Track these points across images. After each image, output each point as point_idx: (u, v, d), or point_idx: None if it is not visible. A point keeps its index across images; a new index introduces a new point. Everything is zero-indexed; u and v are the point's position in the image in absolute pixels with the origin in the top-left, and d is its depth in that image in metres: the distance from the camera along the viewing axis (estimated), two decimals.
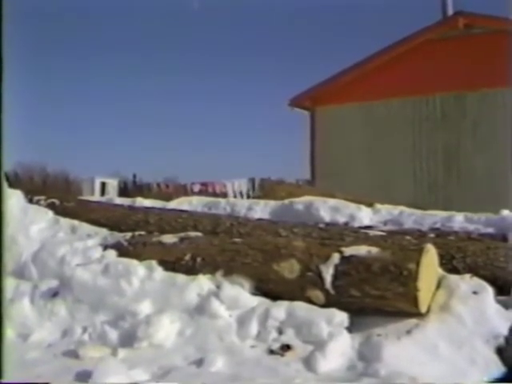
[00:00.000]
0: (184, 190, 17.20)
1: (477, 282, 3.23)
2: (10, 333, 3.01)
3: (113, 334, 3.17)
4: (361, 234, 4.15)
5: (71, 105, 42.95)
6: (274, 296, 3.26)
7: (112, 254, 3.84)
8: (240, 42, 46.66)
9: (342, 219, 5.25)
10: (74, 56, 43.81)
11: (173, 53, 46.31)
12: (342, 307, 3.08)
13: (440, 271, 3.31)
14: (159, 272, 3.51)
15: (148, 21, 40.11)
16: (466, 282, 3.22)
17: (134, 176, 21.23)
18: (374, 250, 3.18)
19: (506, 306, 3.15)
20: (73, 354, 3.01)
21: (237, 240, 3.74)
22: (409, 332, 2.91)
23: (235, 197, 15.68)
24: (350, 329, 3.00)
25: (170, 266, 3.57)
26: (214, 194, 15.94)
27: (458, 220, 4.79)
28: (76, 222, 4.81)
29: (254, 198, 12.03)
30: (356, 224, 5.03)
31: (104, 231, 4.56)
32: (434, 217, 4.99)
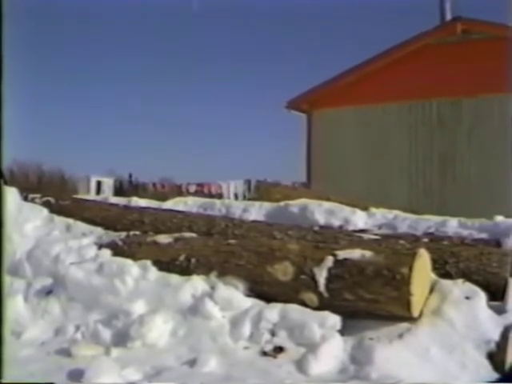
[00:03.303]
0: (179, 191, 17.18)
1: (469, 287, 3.25)
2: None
3: (106, 333, 3.17)
4: (355, 238, 4.16)
5: (68, 104, 42.89)
6: (268, 298, 3.27)
7: (107, 253, 3.84)
8: (238, 44, 46.67)
9: (336, 222, 5.25)
10: (73, 56, 43.74)
11: (171, 54, 46.32)
12: (335, 310, 3.09)
13: (433, 276, 3.33)
14: (153, 272, 3.52)
15: (147, 22, 40.11)
16: (458, 287, 3.23)
17: (130, 175, 21.21)
18: (368, 253, 3.20)
19: (498, 311, 3.16)
20: (66, 353, 3.02)
21: (231, 241, 3.75)
22: (401, 336, 2.93)
23: (230, 198, 15.68)
24: (343, 332, 3.01)
25: (165, 266, 3.58)
26: (210, 195, 15.92)
27: (452, 225, 4.80)
28: (71, 221, 4.82)
29: (249, 199, 12.03)
30: (350, 227, 5.04)
31: (99, 230, 4.57)
32: (428, 221, 5.00)
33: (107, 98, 44.91)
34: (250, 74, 47.51)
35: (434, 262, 3.38)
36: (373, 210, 5.51)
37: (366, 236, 4.24)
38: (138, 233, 4.27)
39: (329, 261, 3.22)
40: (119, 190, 18.23)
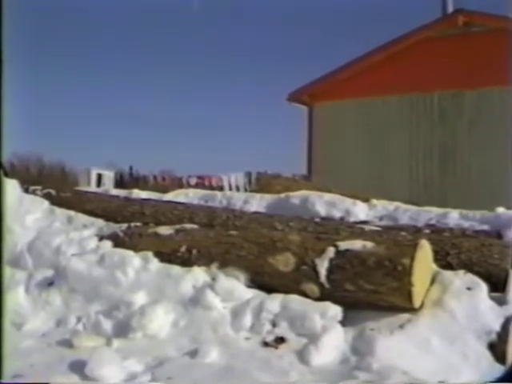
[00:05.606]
0: (180, 183, 17.19)
1: (471, 278, 3.25)
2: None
3: (107, 324, 3.17)
4: (356, 229, 4.16)
5: (69, 97, 42.86)
6: (269, 289, 3.27)
7: (108, 244, 3.84)
8: (238, 41, 46.59)
9: (337, 214, 5.25)
10: (74, 51, 43.75)
11: (171, 52, 46.28)
12: (336, 301, 3.09)
13: (434, 267, 3.33)
14: (154, 263, 3.52)
15: (148, 20, 40.04)
16: (459, 278, 3.23)
17: (131, 168, 21.25)
18: (369, 244, 3.19)
19: (499, 302, 3.16)
20: (67, 344, 3.02)
21: (232, 233, 3.75)
22: (402, 326, 2.93)
23: (231, 190, 15.67)
24: (344, 322, 3.01)
25: (166, 257, 3.58)
26: (211, 188, 15.90)
27: (453, 217, 4.80)
28: (72, 213, 4.82)
29: (250, 191, 12.03)
30: (352, 219, 5.04)
31: (100, 222, 4.57)
32: (430, 213, 5.00)
33: (109, 91, 44.90)
34: (251, 69, 47.45)
35: (436, 253, 3.37)
36: (374, 201, 5.50)
37: (367, 227, 4.23)
38: (138, 224, 4.26)
39: (330, 252, 3.22)
40: (120, 183, 18.27)
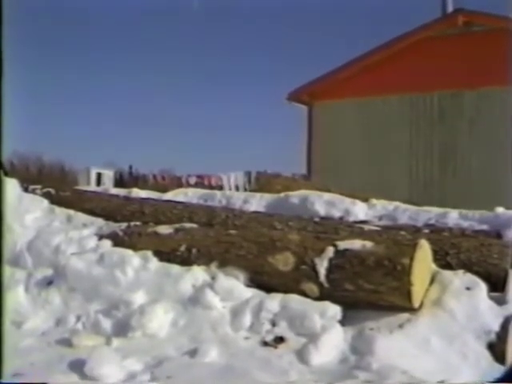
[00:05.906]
0: (180, 183, 17.18)
1: (470, 277, 3.25)
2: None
3: (107, 324, 3.17)
4: (356, 229, 4.16)
5: (68, 96, 42.91)
6: (269, 288, 3.27)
7: (107, 243, 3.84)
8: (238, 41, 46.61)
9: (337, 213, 5.25)
10: (74, 50, 43.79)
11: (171, 52, 46.34)
12: (335, 300, 3.09)
13: (434, 267, 3.33)
14: (154, 262, 3.52)
15: (147, 20, 40.07)
16: (459, 278, 3.23)
17: (130, 167, 21.25)
18: (369, 244, 3.19)
19: (498, 302, 3.16)
20: (66, 343, 3.02)
21: (232, 232, 3.75)
22: (401, 326, 2.93)
23: (231, 189, 15.67)
24: (343, 322, 3.02)
25: (165, 256, 3.58)
26: (210, 187, 15.89)
27: (453, 216, 4.80)
28: (71, 212, 4.82)
29: (250, 191, 12.03)
30: (351, 218, 5.04)
31: (99, 221, 4.57)
32: (429, 213, 5.00)
33: (109, 91, 44.89)
34: (251, 69, 47.45)
35: (435, 252, 3.38)
36: (373, 201, 5.50)
37: (366, 227, 4.23)
38: (138, 223, 4.26)
39: (329, 251, 3.22)
40: (119, 182, 18.27)
